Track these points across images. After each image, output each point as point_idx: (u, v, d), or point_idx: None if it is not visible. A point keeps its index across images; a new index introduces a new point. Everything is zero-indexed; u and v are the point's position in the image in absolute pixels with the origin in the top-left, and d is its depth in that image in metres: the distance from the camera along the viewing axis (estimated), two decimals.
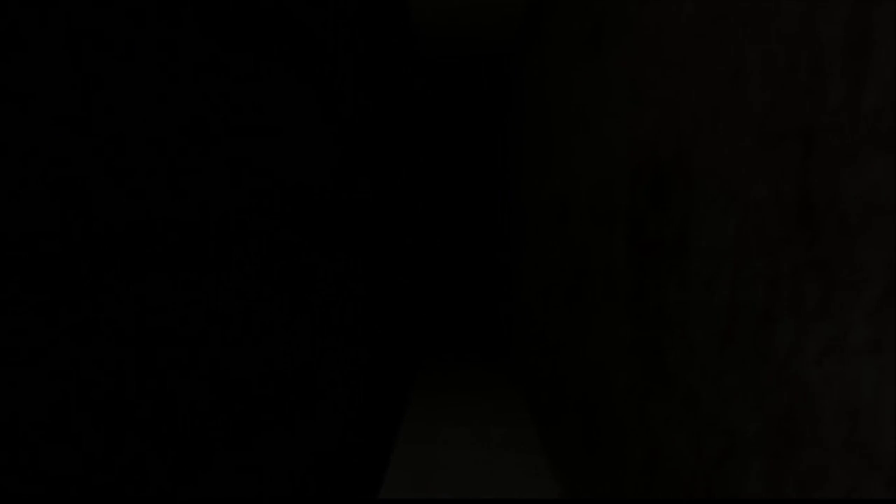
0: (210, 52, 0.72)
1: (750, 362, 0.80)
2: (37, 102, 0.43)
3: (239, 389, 0.82)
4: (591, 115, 1.73)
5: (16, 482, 0.41)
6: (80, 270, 0.48)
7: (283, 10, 0.99)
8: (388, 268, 2.35)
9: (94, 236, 0.50)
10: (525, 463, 2.38)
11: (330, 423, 1.37)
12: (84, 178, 0.48)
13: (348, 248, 1.56)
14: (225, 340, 0.77)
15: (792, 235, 0.71)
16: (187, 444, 0.66)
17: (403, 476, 2.24)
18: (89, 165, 0.49)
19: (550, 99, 2.44)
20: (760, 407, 0.77)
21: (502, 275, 4.41)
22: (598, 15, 1.61)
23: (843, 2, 0.63)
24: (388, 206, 2.33)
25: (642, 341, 1.24)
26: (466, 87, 4.52)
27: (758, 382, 0.78)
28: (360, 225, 1.74)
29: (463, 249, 4.72)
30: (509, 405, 3.18)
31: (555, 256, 2.30)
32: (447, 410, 3.06)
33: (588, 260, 1.75)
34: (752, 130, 0.80)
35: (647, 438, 1.20)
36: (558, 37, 2.24)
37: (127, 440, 0.54)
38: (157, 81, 0.60)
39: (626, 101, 1.36)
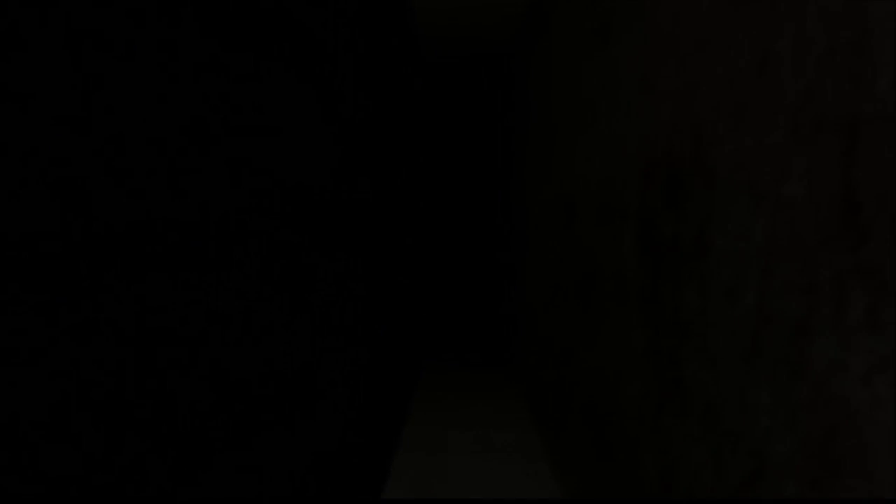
0: (210, 52, 0.72)
1: (781, 378, 0.72)
2: (37, 102, 0.43)
3: (239, 389, 0.82)
4: (599, 112, 1.66)
5: (16, 482, 0.41)
6: (80, 270, 0.48)
7: (283, 10, 0.99)
8: (388, 268, 2.35)
9: (94, 236, 0.50)
10: (528, 470, 2.36)
11: (330, 423, 1.37)
12: (84, 178, 0.48)
13: (348, 248, 1.56)
14: (225, 340, 0.77)
15: (833, 238, 0.63)
16: (187, 444, 0.66)
17: (405, 482, 2.24)
18: (89, 165, 0.49)
19: (555, 96, 2.40)
20: (793, 427, 0.69)
21: (505, 276, 4.40)
22: (608, 6, 1.55)
23: None
24: (388, 206, 2.33)
25: (656, 349, 1.16)
26: (468, 87, 4.52)
27: (790, 400, 0.70)
28: (360, 225, 1.74)
29: (464, 250, 4.71)
30: (511, 409, 3.16)
31: (560, 257, 2.25)
32: (449, 414, 3.04)
33: (596, 261, 1.68)
34: (783, 123, 0.72)
35: (662, 453, 1.13)
36: (564, 31, 2.20)
37: (127, 440, 0.54)
38: (157, 81, 0.60)
39: (638, 95, 1.30)
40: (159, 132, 0.60)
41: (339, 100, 1.43)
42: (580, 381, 1.89)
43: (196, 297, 0.68)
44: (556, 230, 2.34)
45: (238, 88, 0.81)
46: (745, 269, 0.81)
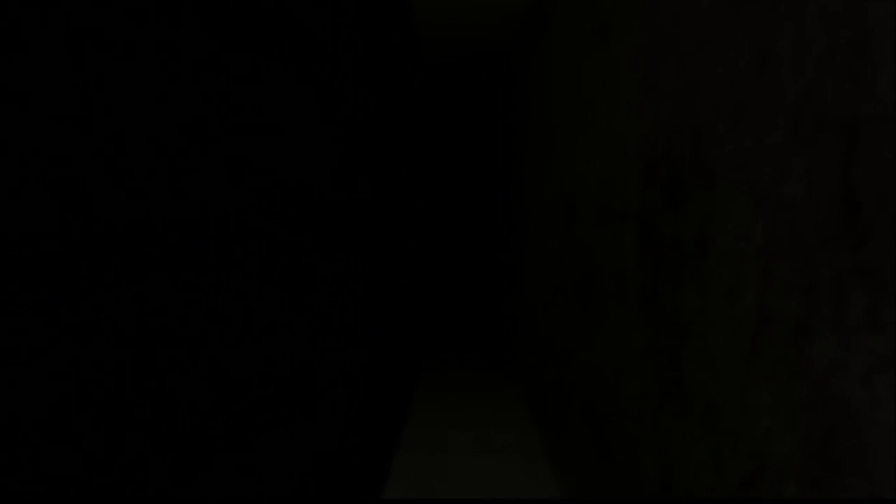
0: (210, 52, 0.72)
1: (781, 377, 0.72)
2: (37, 102, 0.43)
3: (239, 389, 0.82)
4: (599, 112, 1.66)
5: (16, 482, 0.41)
6: (80, 270, 0.48)
7: (283, 10, 0.99)
8: (387, 268, 2.35)
9: (94, 236, 0.50)
10: (528, 470, 2.36)
11: (330, 423, 1.37)
12: (84, 178, 0.48)
13: (348, 248, 1.56)
14: (225, 340, 0.77)
15: (833, 238, 0.62)
16: (187, 444, 0.66)
17: (405, 482, 2.24)
18: (89, 165, 0.49)
19: (556, 95, 2.39)
20: (793, 427, 0.69)
21: (505, 276, 4.40)
22: (608, 6, 1.55)
23: None
24: (388, 206, 2.33)
25: (656, 349, 1.16)
26: (468, 87, 4.52)
27: (790, 400, 0.70)
28: (360, 225, 1.74)
29: (464, 250, 4.72)
30: (511, 409, 3.16)
31: (560, 257, 2.25)
32: (449, 414, 3.04)
33: (596, 261, 1.68)
34: (783, 123, 0.72)
35: (662, 453, 1.12)
36: (564, 31, 2.19)
37: (127, 440, 0.54)
38: (157, 81, 0.60)
39: (638, 95, 1.30)
40: (159, 132, 0.60)
41: (339, 100, 1.43)
42: (580, 381, 1.88)
43: (196, 297, 0.68)
44: (557, 230, 2.33)
45: (238, 88, 0.81)
46: (745, 269, 0.81)
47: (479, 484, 2.23)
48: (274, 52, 0.95)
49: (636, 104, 1.31)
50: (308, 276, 1.17)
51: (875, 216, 0.57)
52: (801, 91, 0.68)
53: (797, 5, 0.70)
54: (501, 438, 2.71)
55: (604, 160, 1.60)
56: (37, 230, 0.43)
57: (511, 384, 3.68)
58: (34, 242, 0.43)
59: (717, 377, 0.89)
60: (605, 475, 1.55)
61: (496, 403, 3.27)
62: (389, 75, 2.36)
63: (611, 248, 1.52)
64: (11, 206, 0.41)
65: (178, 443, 0.64)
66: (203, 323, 0.70)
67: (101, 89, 0.51)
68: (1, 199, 0.40)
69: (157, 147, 0.60)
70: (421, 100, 3.79)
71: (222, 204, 0.76)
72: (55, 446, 0.45)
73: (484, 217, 4.64)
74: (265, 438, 0.92)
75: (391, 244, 2.45)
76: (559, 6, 2.33)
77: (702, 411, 0.94)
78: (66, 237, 0.46)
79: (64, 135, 0.46)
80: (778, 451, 0.72)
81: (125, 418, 0.54)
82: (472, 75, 4.47)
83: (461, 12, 3.24)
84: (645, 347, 1.23)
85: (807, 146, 0.67)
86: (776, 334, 0.73)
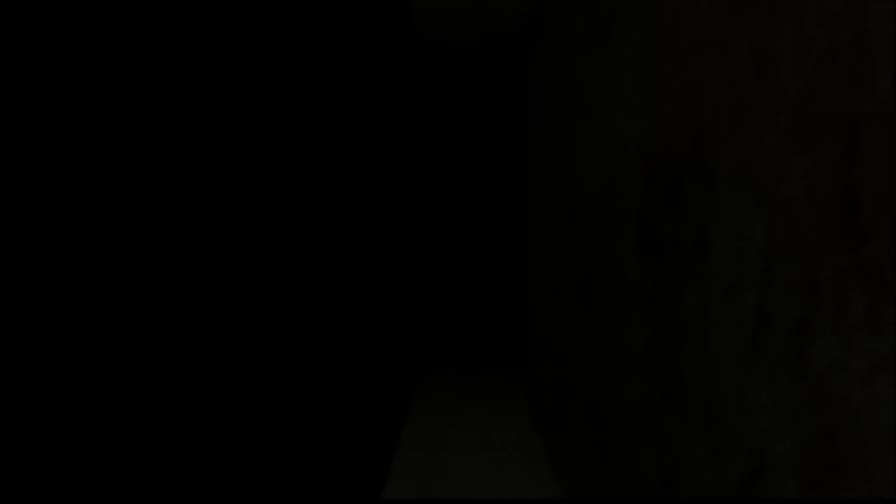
0: (210, 52, 0.72)
1: (781, 377, 0.71)
2: (37, 102, 0.43)
3: (239, 389, 0.82)
4: (599, 112, 1.66)
5: (16, 482, 0.41)
6: (80, 270, 0.48)
7: (283, 10, 0.99)
8: (388, 268, 2.35)
9: (94, 236, 0.50)
10: (528, 470, 2.36)
11: (330, 423, 1.37)
12: (84, 178, 0.48)
13: (348, 248, 1.56)
14: (225, 340, 0.77)
15: (833, 238, 0.62)
16: (187, 444, 0.66)
17: (405, 483, 2.23)
18: (89, 165, 0.49)
19: (556, 96, 2.40)
20: (793, 427, 0.69)
21: (505, 275, 4.40)
22: (608, 6, 1.55)
23: None
24: (388, 205, 2.33)
25: (656, 349, 1.16)
26: (469, 86, 4.52)
27: (790, 400, 0.69)
28: (360, 225, 1.74)
29: (465, 249, 4.72)
30: (511, 409, 3.16)
31: (560, 257, 2.25)
32: (449, 414, 3.04)
33: (596, 261, 1.67)
34: (783, 123, 0.72)
35: (663, 453, 1.12)
36: (565, 31, 2.20)
37: (127, 440, 0.54)
38: (157, 81, 0.60)
39: (638, 95, 1.29)
40: (159, 132, 0.60)
41: (339, 100, 1.43)
42: (580, 381, 1.88)
43: (196, 297, 0.68)
44: (557, 230, 2.33)
45: (238, 88, 0.81)
46: (745, 269, 0.81)
47: (480, 484, 2.23)
48: (274, 52, 0.95)
49: (636, 104, 1.30)
50: (308, 276, 1.17)
51: (875, 216, 0.57)
52: (801, 91, 0.68)
53: (797, 5, 0.70)
54: (501, 438, 2.71)
55: (604, 160, 1.60)
56: (37, 230, 0.43)
57: (511, 384, 3.68)
58: (34, 242, 0.43)
59: (717, 377, 0.89)
60: (606, 475, 1.54)
61: (496, 403, 3.27)
62: (389, 75, 2.36)
63: (611, 247, 1.52)
64: (11, 206, 0.41)
65: (178, 443, 0.64)
66: (203, 323, 0.70)
67: (101, 89, 0.51)
68: (1, 199, 0.40)
69: (157, 147, 0.60)
70: (421, 99, 3.79)
71: (222, 204, 0.76)
72: (55, 446, 0.45)
73: (486, 216, 4.64)
74: (265, 438, 0.92)
75: (391, 244, 2.45)
76: (560, 6, 2.33)
77: (702, 411, 0.94)
78: (66, 237, 0.46)
79: (64, 135, 0.46)
80: (778, 451, 0.72)
81: (125, 418, 0.54)
82: (472, 75, 4.47)
83: (462, 12, 3.24)
84: (645, 347, 1.23)
85: (807, 146, 0.67)
86: (776, 334, 0.73)
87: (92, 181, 0.49)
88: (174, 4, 0.63)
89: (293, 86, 1.06)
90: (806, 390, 0.66)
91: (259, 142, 0.89)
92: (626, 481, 1.35)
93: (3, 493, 0.39)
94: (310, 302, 1.18)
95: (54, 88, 0.45)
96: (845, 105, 0.61)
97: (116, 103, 0.53)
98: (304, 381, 1.15)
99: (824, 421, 0.63)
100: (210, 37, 0.72)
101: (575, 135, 2.01)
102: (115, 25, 0.52)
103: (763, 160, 0.77)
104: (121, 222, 0.54)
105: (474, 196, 4.65)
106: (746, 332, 0.80)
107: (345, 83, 1.50)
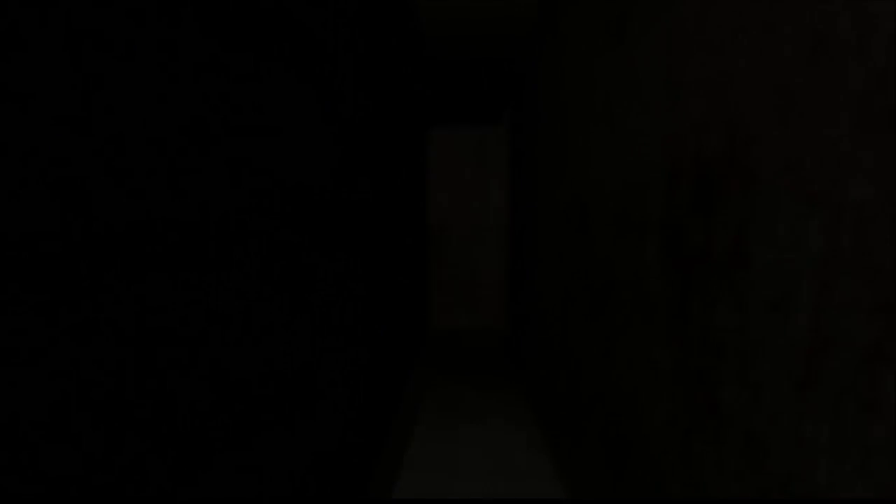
0: (210, 52, 0.72)
1: (846, 411, 0.62)
2: (37, 102, 0.43)
3: (239, 389, 0.82)
4: (615, 112, 1.58)
5: (16, 482, 0.41)
6: (80, 270, 0.48)
7: (283, 10, 0.99)
8: (388, 268, 2.35)
9: (94, 236, 0.50)
10: (538, 490, 2.30)
11: (330, 423, 1.37)
12: (84, 178, 0.48)
13: (348, 248, 1.56)
14: (225, 340, 0.77)
15: None
16: (187, 444, 0.66)
17: None
18: (89, 165, 0.49)
19: (567, 96, 2.34)
20: (863, 471, 0.58)
21: (515, 284, 4.35)
22: (624, 0, 1.48)
23: None
24: (388, 206, 2.33)
25: (685, 369, 1.06)
26: (476, 87, 4.51)
27: (859, 439, 0.59)
28: (360, 225, 1.74)
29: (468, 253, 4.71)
30: (520, 422, 3.08)
31: (574, 265, 2.16)
32: (454, 433, 2.95)
33: (614, 270, 1.59)
34: (845, 113, 0.63)
35: (693, 485, 1.02)
36: (576, 25, 2.14)
37: (127, 440, 0.54)
38: (157, 81, 0.60)
39: (660, 92, 1.21)
40: (159, 132, 0.60)
41: (339, 100, 1.43)
42: (595, 398, 1.80)
43: (196, 297, 0.68)
44: (569, 236, 2.27)
45: (238, 88, 0.81)
46: (796, 282, 0.71)
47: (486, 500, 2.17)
48: (274, 52, 0.95)
49: (658, 102, 1.22)
50: (308, 276, 1.17)
51: None
52: (868, 77, 0.59)
53: None
54: (511, 458, 2.62)
55: (621, 163, 1.52)
56: (37, 230, 0.43)
57: (522, 395, 3.60)
58: (34, 242, 0.43)
59: (760, 405, 0.79)
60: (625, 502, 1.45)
61: (505, 418, 3.18)
62: (390, 75, 2.36)
63: (630, 256, 1.43)
64: (11, 206, 0.41)
65: (178, 443, 0.64)
66: (203, 323, 0.70)
67: (101, 89, 0.51)
68: (1, 199, 0.40)
69: (157, 147, 0.60)
70: (422, 99, 3.79)
71: (222, 204, 0.76)
72: (55, 446, 0.45)
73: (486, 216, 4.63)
74: (265, 438, 0.92)
75: (391, 244, 2.45)
76: (569, 6, 2.27)
77: (742, 442, 0.84)
78: (66, 237, 0.46)
79: (64, 135, 0.46)
80: (843, 497, 0.63)
81: (125, 418, 0.54)
82: (479, 75, 4.46)
83: (470, 12, 3.24)
84: (673, 367, 1.13)
85: (878, 136, 0.57)
86: (839, 360, 0.63)
87: (92, 181, 0.49)
88: (174, 4, 0.63)
89: (293, 86, 1.06)
90: (881, 429, 0.56)
91: (259, 142, 0.89)
92: None
93: (3, 493, 0.39)
94: (310, 302, 1.18)
95: (54, 88, 0.45)
96: None
97: (116, 103, 0.53)
98: (304, 381, 1.15)
99: None
100: (210, 37, 0.72)
101: (587, 137, 1.94)
102: (115, 25, 0.52)
103: (820, 157, 0.67)
104: (121, 222, 0.54)
105: (478, 196, 4.64)
106: (798, 355, 0.70)
107: (345, 83, 1.50)
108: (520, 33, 3.58)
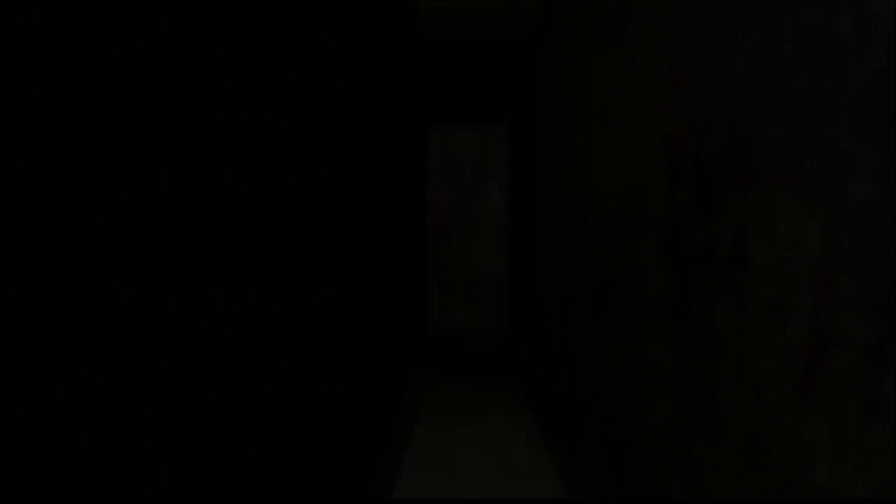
0: (210, 52, 0.72)
1: (846, 411, 0.62)
2: (37, 102, 0.43)
3: (239, 389, 0.82)
4: (615, 112, 1.57)
5: (16, 482, 0.41)
6: (80, 270, 0.48)
7: (283, 10, 0.99)
8: (388, 268, 2.35)
9: (94, 236, 0.50)
10: (538, 490, 2.29)
11: (330, 423, 1.37)
12: (84, 178, 0.48)
13: (348, 248, 1.56)
14: (225, 340, 0.77)
15: None
16: (187, 444, 0.66)
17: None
18: (89, 165, 0.49)
19: (567, 97, 2.33)
20: (863, 471, 0.58)
21: (515, 284, 4.35)
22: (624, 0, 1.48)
23: None
24: (388, 206, 2.33)
25: (685, 369, 1.06)
26: (476, 87, 4.51)
27: (859, 439, 0.59)
28: (360, 225, 1.74)
29: (471, 254, 4.71)
30: (520, 423, 3.08)
31: (574, 265, 2.16)
32: (454, 432, 2.95)
33: (613, 270, 1.58)
34: (846, 113, 0.62)
35: (693, 485, 1.02)
36: (577, 28, 2.14)
37: (127, 440, 0.54)
38: (157, 81, 0.60)
39: (660, 92, 1.21)
40: (159, 132, 0.60)
41: (339, 100, 1.43)
42: (595, 398, 1.79)
43: (196, 297, 0.68)
44: (569, 235, 2.26)
45: (238, 88, 0.81)
46: (796, 282, 0.71)
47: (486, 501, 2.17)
48: (274, 52, 0.95)
49: (659, 102, 1.22)
50: (308, 276, 1.17)
51: None
52: (868, 77, 0.59)
53: None
54: (511, 458, 2.61)
55: (621, 163, 1.52)
56: (37, 230, 0.43)
57: (522, 395, 3.60)
58: (34, 242, 0.43)
59: (760, 405, 0.79)
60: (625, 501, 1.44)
61: (505, 417, 3.17)
62: (390, 75, 2.36)
63: (630, 255, 1.43)
64: (11, 206, 0.41)
65: (178, 443, 0.64)
66: (203, 323, 0.70)
67: (101, 89, 0.51)
68: (1, 199, 0.40)
69: (157, 147, 0.60)
70: (423, 99, 3.79)
71: (222, 204, 0.76)
72: (55, 446, 0.45)
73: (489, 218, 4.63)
74: (265, 438, 0.92)
75: (391, 244, 2.45)
76: (569, 5, 2.26)
77: (742, 442, 0.84)
78: (66, 237, 0.46)
79: (64, 135, 0.46)
80: (843, 497, 0.63)
81: (125, 418, 0.54)
82: (479, 75, 4.46)
83: (471, 12, 3.24)
84: (673, 367, 1.13)
85: (878, 136, 0.57)
86: (839, 360, 0.62)
87: (92, 181, 0.49)
88: (174, 4, 0.63)
89: (293, 86, 1.06)
90: (881, 429, 0.56)
91: (259, 142, 0.89)
92: None
93: (3, 493, 0.39)
94: (310, 302, 1.18)
95: (54, 88, 0.45)
96: None
97: (116, 103, 0.53)
98: (304, 381, 1.15)
99: None
100: (210, 37, 0.72)
101: (587, 137, 1.94)
102: (115, 25, 0.52)
103: (820, 157, 0.66)
104: (121, 222, 0.54)
105: (479, 198, 4.63)
106: (798, 355, 0.70)
107: (345, 83, 1.50)
108: (520, 33, 3.57)
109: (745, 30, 0.85)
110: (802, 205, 0.70)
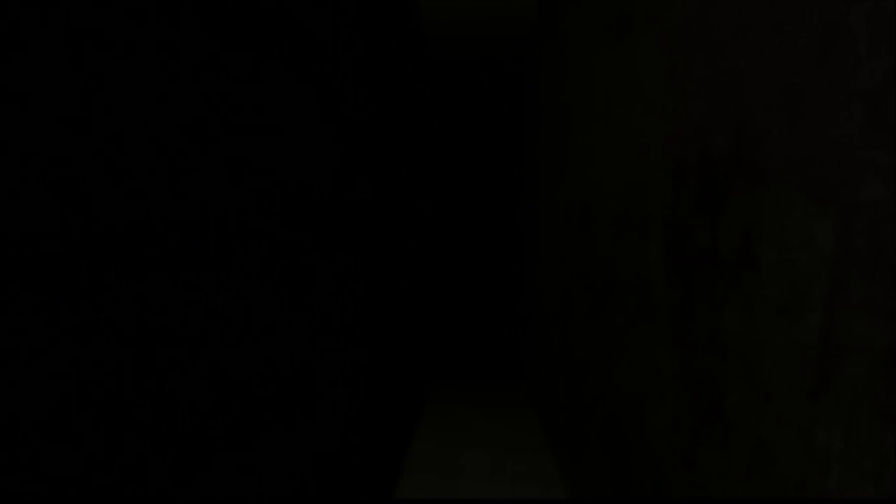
0: (210, 52, 0.72)
1: (859, 418, 0.60)
2: (37, 102, 0.43)
3: (239, 389, 0.82)
4: (616, 112, 1.57)
5: (16, 482, 0.41)
6: (80, 270, 0.48)
7: (283, 10, 0.99)
8: (388, 268, 2.35)
9: (94, 236, 0.50)
10: (540, 491, 2.29)
11: (330, 423, 1.37)
12: (84, 178, 0.48)
13: (348, 248, 1.56)
14: (225, 340, 0.77)
15: None
16: (187, 444, 0.66)
17: None
18: (89, 165, 0.49)
19: (567, 97, 2.33)
20: (879, 481, 0.58)
21: (516, 284, 4.35)
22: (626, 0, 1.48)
23: None
24: (388, 206, 2.33)
25: (690, 372, 1.05)
26: (478, 88, 4.51)
27: (874, 447, 0.58)
28: (360, 225, 1.74)
29: (473, 256, 4.72)
30: (523, 427, 3.06)
31: (575, 266, 2.16)
32: (456, 434, 2.94)
33: (615, 271, 1.58)
34: (857, 111, 0.61)
35: (697, 489, 1.01)
36: (578, 25, 2.13)
37: (127, 440, 0.54)
38: (157, 81, 0.60)
39: (663, 91, 1.20)
40: (159, 132, 0.60)
41: (339, 100, 1.43)
42: (597, 400, 1.78)
43: (196, 297, 0.68)
44: (570, 237, 2.26)
45: (238, 88, 0.81)
46: (807, 284, 0.69)
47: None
48: (274, 52, 0.95)
49: (661, 102, 1.21)
50: (308, 276, 1.17)
51: None
52: (882, 73, 0.58)
53: None
54: (514, 461, 2.61)
55: (622, 163, 1.52)
56: (37, 230, 0.43)
57: (523, 398, 3.59)
58: (34, 242, 0.43)
59: (768, 410, 0.78)
60: None
61: (507, 420, 3.16)
62: (390, 75, 2.36)
63: (632, 256, 1.42)
64: (11, 206, 0.41)
65: (178, 443, 0.64)
66: (203, 323, 0.70)
67: (101, 89, 0.51)
68: (1, 199, 0.40)
69: (157, 147, 0.60)
70: (424, 99, 3.79)
71: (222, 204, 0.76)
72: (55, 446, 0.45)
73: (496, 223, 4.64)
74: (265, 438, 0.92)
75: (392, 244, 2.45)
76: (571, 4, 2.26)
77: (749, 448, 0.83)
78: (66, 237, 0.46)
79: (64, 135, 0.46)
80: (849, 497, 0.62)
81: (125, 418, 0.54)
82: (480, 75, 4.46)
83: (471, 12, 3.24)
84: (677, 370, 1.11)
85: (889, 138, 0.56)
86: (853, 364, 0.61)
87: (92, 181, 0.49)
88: (174, 4, 0.63)
89: (293, 86, 1.06)
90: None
91: (259, 142, 0.89)
92: None
93: (3, 493, 0.39)
94: (310, 302, 1.18)
95: (54, 88, 0.45)
96: None
97: (116, 103, 0.53)
98: (304, 381, 1.15)
99: None
100: (210, 37, 0.72)
101: (588, 137, 1.94)
102: (115, 25, 0.52)
103: (830, 157, 0.65)
104: (121, 222, 0.54)
105: (483, 200, 4.64)
106: (809, 359, 0.69)
107: (345, 83, 1.50)
108: (520, 33, 3.57)
109: (751, 28, 0.85)
110: (813, 205, 0.69)
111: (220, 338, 0.75)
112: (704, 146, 1.01)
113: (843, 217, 0.63)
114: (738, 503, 0.87)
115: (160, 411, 0.60)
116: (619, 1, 1.56)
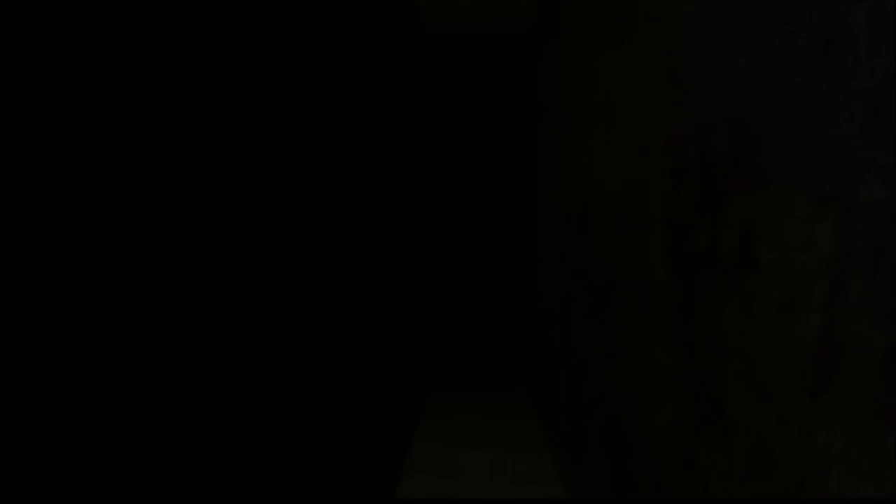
0: (210, 52, 0.72)
1: (860, 418, 0.61)
2: (37, 102, 0.43)
3: (239, 389, 0.82)
4: (616, 112, 1.57)
5: (16, 482, 0.41)
6: (80, 270, 0.48)
7: (283, 10, 0.99)
8: (388, 268, 2.35)
9: (94, 236, 0.50)
10: (540, 491, 2.29)
11: (330, 423, 1.37)
12: (84, 178, 0.48)
13: (348, 248, 1.56)
14: (225, 340, 0.77)
15: None
16: (187, 444, 0.66)
17: None
18: (89, 165, 0.49)
19: (567, 97, 2.33)
20: (879, 481, 0.58)
21: (516, 284, 4.35)
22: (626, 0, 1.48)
23: None
24: (388, 206, 2.33)
25: (690, 371, 1.05)
26: (479, 88, 4.51)
27: (874, 447, 0.58)
28: (360, 225, 1.74)
29: (474, 256, 4.71)
30: (523, 427, 3.06)
31: (574, 266, 2.16)
32: (457, 434, 2.94)
33: (615, 271, 1.58)
34: (857, 111, 0.62)
35: (697, 491, 1.01)
36: (578, 25, 2.14)
37: (127, 440, 0.54)
38: (157, 81, 0.60)
39: (663, 91, 1.21)
40: (159, 132, 0.60)
41: (339, 100, 1.43)
42: (597, 400, 1.79)
43: (196, 297, 0.68)
44: (569, 237, 2.26)
45: (238, 88, 0.81)
46: (807, 284, 0.70)
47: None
48: (274, 52, 0.95)
49: (661, 102, 1.22)
50: (308, 276, 1.17)
51: None
52: (882, 73, 0.58)
53: None
54: (514, 461, 2.61)
55: (622, 163, 1.52)
56: (37, 230, 0.43)
57: (523, 398, 3.59)
58: (34, 242, 0.43)
59: (768, 410, 0.78)
60: None
61: (507, 420, 3.16)
62: (390, 75, 2.36)
63: (632, 256, 1.42)
64: (11, 206, 0.41)
65: (178, 443, 0.64)
66: (203, 323, 0.70)
67: (101, 89, 0.51)
68: (1, 199, 0.40)
69: (157, 147, 0.60)
70: (424, 99, 3.79)
71: (222, 204, 0.76)
72: (55, 446, 0.45)
73: (496, 223, 4.64)
74: (265, 438, 0.92)
75: (391, 244, 2.45)
76: (571, 4, 2.26)
77: (749, 448, 0.84)
78: (66, 237, 0.46)
79: (64, 135, 0.46)
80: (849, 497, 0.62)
81: (125, 418, 0.54)
82: (480, 75, 4.46)
83: (472, 12, 3.24)
84: (677, 370, 1.12)
85: (890, 138, 0.56)
86: (853, 364, 0.61)
87: (92, 181, 0.49)
88: (174, 4, 0.63)
89: (293, 86, 1.06)
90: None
91: (259, 142, 0.89)
92: None
93: (3, 493, 0.39)
94: (310, 302, 1.18)
95: (54, 88, 0.45)
96: None
97: (116, 103, 0.53)
98: (304, 381, 1.15)
99: None
100: (210, 37, 0.72)
101: (588, 137, 1.94)
102: (115, 25, 0.52)
103: (830, 157, 0.65)
104: (121, 222, 0.54)
105: (484, 201, 4.64)
106: (809, 359, 0.69)
107: (345, 83, 1.50)
108: (520, 33, 3.57)
109: (751, 28, 0.85)
110: (813, 205, 0.69)
111: (220, 338, 0.75)
112: (704, 146, 1.01)
113: (843, 217, 0.63)
114: (738, 503, 0.87)
115: (160, 411, 0.60)
116: (619, 1, 1.56)
